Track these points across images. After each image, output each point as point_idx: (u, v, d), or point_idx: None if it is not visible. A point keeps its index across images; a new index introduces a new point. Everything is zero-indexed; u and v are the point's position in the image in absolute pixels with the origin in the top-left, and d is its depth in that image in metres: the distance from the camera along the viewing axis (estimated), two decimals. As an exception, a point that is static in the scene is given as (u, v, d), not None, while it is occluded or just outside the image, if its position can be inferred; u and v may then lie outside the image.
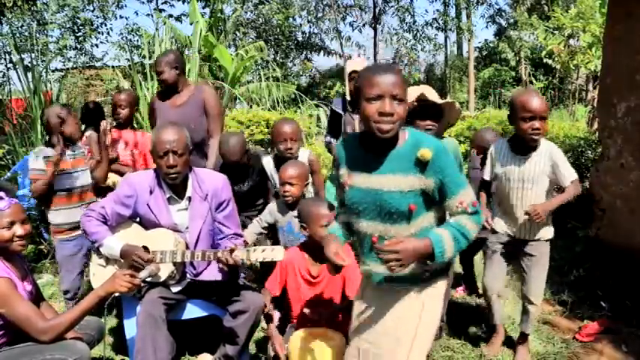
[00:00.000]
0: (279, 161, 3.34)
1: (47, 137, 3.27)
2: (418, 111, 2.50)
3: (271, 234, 3.38)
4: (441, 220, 1.89)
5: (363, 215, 1.87)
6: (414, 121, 2.51)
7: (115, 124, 3.79)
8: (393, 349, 1.88)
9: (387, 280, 1.90)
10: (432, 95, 2.52)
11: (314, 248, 2.63)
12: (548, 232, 2.79)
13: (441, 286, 1.95)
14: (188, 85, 3.68)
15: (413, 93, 2.47)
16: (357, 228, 1.92)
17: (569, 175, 2.66)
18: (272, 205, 3.18)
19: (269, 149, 6.82)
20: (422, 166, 1.76)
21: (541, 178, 2.67)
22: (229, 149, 3.31)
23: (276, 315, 2.81)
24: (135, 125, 4.02)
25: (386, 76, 1.70)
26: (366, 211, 1.85)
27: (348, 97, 3.90)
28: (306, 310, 2.62)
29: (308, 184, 3.17)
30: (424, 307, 1.91)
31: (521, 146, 2.69)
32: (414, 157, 1.76)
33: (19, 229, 2.24)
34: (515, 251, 2.84)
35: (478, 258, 3.85)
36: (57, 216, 3.23)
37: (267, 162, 3.48)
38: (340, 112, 3.87)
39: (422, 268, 1.84)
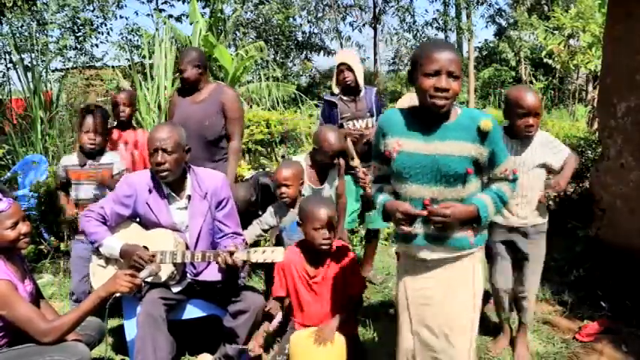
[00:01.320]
0: (318, 167, 3.38)
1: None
2: None
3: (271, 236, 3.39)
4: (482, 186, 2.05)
5: (414, 179, 1.96)
6: None
7: (115, 123, 3.78)
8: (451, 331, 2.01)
9: (430, 241, 1.99)
10: None
11: (309, 248, 2.63)
12: (543, 219, 2.82)
13: (479, 252, 2.09)
14: (208, 84, 3.66)
15: (412, 100, 2.48)
16: (404, 192, 2.00)
17: (562, 156, 2.76)
18: (274, 207, 3.18)
19: (268, 149, 6.82)
20: (482, 136, 1.91)
21: (537, 166, 2.72)
22: (236, 201, 3.22)
23: (277, 318, 2.81)
24: (134, 125, 4.01)
25: (444, 52, 1.81)
26: (419, 175, 1.95)
27: (336, 90, 3.89)
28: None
29: (303, 183, 3.16)
30: (474, 274, 2.04)
31: (517, 134, 2.72)
32: (474, 127, 1.91)
33: (23, 227, 2.26)
34: (511, 248, 2.86)
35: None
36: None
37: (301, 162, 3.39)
38: (334, 101, 3.87)
39: (465, 231, 1.98)
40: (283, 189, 3.02)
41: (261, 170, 4.21)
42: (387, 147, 2.00)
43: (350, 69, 3.76)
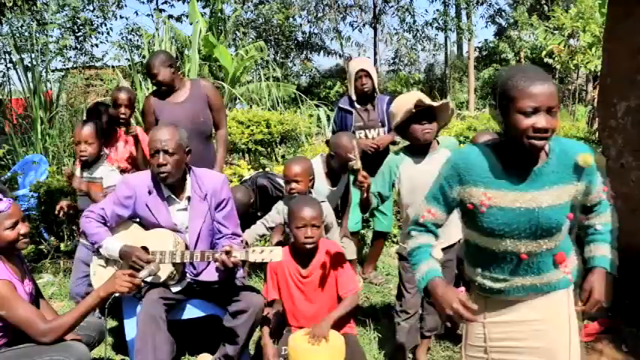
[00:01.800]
0: (332, 171, 3.43)
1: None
2: (414, 116, 2.49)
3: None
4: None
5: (509, 235, 1.69)
6: (410, 126, 2.51)
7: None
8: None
9: (525, 291, 1.77)
10: (427, 99, 2.52)
11: (298, 248, 2.64)
12: None
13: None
14: (183, 81, 3.65)
15: (408, 100, 2.48)
16: (495, 248, 1.73)
17: None
18: (280, 205, 3.17)
19: (268, 149, 6.82)
20: (580, 172, 1.68)
21: None
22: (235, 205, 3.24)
23: (271, 313, 2.81)
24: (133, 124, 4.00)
25: (543, 86, 1.55)
26: (515, 231, 1.67)
27: (353, 97, 3.88)
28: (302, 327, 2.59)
29: (313, 179, 3.17)
30: (569, 307, 1.82)
31: None
32: (571, 164, 1.67)
33: (22, 228, 2.25)
34: None
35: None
36: None
37: (317, 164, 3.40)
38: (349, 108, 3.87)
39: (563, 269, 1.77)
40: (293, 184, 3.01)
41: (260, 171, 4.21)
42: (471, 199, 1.69)
43: (369, 76, 3.76)
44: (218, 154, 3.71)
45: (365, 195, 2.47)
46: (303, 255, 2.66)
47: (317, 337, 2.42)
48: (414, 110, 2.45)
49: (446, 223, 1.87)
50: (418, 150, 2.59)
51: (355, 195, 3.81)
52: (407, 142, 2.70)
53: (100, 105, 3.80)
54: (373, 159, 3.71)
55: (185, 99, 3.55)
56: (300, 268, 2.66)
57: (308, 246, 2.58)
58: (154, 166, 2.55)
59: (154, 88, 3.75)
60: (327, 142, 4.04)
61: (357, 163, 2.41)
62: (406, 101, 2.48)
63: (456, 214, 1.88)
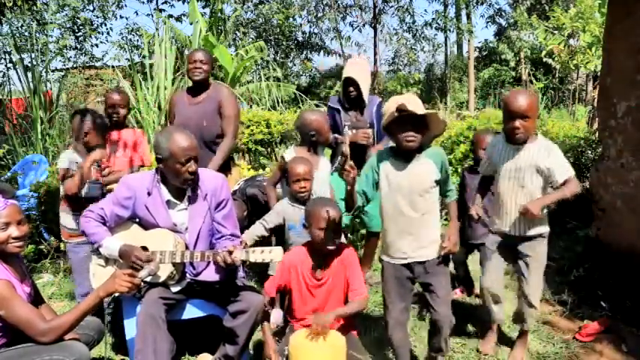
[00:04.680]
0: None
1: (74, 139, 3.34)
2: (398, 121, 2.39)
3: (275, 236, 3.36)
4: None
5: None
6: (394, 132, 2.44)
7: (109, 124, 3.80)
8: None
9: None
10: (414, 105, 2.38)
11: (316, 250, 2.61)
12: (542, 228, 2.76)
13: None
14: (208, 84, 3.68)
15: (396, 102, 2.39)
16: None
17: (564, 170, 2.62)
18: (280, 206, 3.15)
19: (268, 149, 6.82)
20: None
21: (534, 170, 2.66)
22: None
23: (275, 313, 2.79)
24: (127, 124, 4.00)
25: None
26: None
27: (342, 97, 3.89)
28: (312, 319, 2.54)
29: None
30: None
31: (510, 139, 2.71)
32: None
33: (14, 231, 2.21)
34: (512, 251, 2.83)
35: (474, 258, 3.84)
36: (72, 221, 3.19)
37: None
38: (338, 107, 3.87)
39: None
40: (303, 183, 2.99)
41: (247, 177, 4.14)
42: None
43: (355, 84, 3.75)
44: (211, 162, 3.53)
45: (350, 188, 2.39)
46: (320, 257, 2.62)
47: (317, 326, 2.38)
48: (396, 114, 2.36)
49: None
50: (401, 154, 2.51)
51: (338, 191, 3.79)
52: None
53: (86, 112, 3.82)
54: (355, 158, 3.71)
55: (201, 100, 3.56)
56: (317, 271, 2.62)
57: (331, 247, 2.54)
58: (184, 173, 2.54)
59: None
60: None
61: (346, 148, 2.37)
62: (394, 103, 2.39)
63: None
